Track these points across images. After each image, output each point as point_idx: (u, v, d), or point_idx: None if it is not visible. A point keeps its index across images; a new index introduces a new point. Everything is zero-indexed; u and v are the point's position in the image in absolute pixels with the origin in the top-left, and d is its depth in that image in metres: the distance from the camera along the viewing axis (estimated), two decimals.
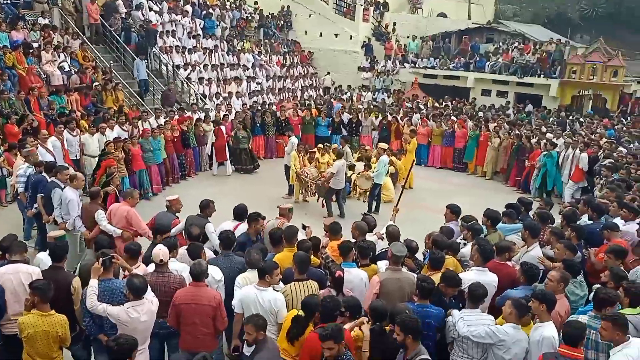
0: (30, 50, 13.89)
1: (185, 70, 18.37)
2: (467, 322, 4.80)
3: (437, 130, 16.46)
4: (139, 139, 12.05)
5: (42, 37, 14.68)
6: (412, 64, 24.63)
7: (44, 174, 8.51)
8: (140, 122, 13.23)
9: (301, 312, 4.81)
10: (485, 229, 6.97)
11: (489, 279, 5.57)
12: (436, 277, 5.38)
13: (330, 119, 16.82)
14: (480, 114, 18.78)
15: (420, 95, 22.22)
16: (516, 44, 23.64)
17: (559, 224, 7.72)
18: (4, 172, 10.58)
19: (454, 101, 21.32)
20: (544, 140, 14.13)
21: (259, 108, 17.01)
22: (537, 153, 13.85)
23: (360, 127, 16.94)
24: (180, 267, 5.67)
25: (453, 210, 7.53)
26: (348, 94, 22.34)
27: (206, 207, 7.17)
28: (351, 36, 25.40)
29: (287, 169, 12.63)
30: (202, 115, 15.02)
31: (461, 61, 23.76)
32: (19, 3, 15.00)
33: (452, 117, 17.12)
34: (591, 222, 7.69)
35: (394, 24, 26.85)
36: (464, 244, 6.80)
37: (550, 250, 6.51)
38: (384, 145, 13.49)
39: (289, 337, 4.76)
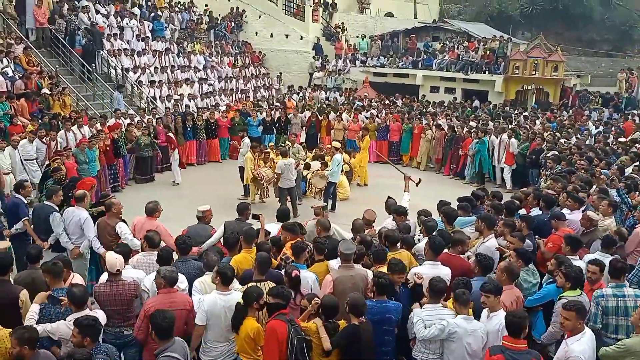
0: None
1: (135, 73, 18.09)
2: (427, 320, 4.94)
3: (371, 126, 16.81)
4: (73, 150, 11.27)
5: None
6: (362, 63, 25.06)
7: (17, 195, 7.90)
8: (75, 128, 12.65)
9: (241, 301, 4.83)
10: (443, 226, 7.09)
11: (442, 272, 5.64)
12: (383, 270, 5.50)
13: (261, 119, 16.92)
14: (431, 109, 19.47)
15: (371, 93, 22.65)
16: (461, 41, 24.44)
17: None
18: None
19: (404, 98, 21.87)
20: (474, 129, 15.32)
21: (189, 112, 16.42)
22: (469, 141, 14.98)
23: (289, 125, 17.16)
24: (136, 274, 5.60)
25: (399, 212, 7.50)
26: (300, 94, 22.54)
27: (245, 210, 7.24)
28: (301, 36, 25.59)
29: (242, 170, 12.65)
30: (135, 120, 14.48)
31: (409, 60, 24.35)
32: None
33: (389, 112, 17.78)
34: (540, 212, 7.98)
35: (343, 24, 27.20)
36: (419, 240, 7.01)
37: (503, 241, 6.67)
38: (336, 143, 13.77)
39: (233, 325, 4.82)
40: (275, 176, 11.61)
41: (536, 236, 7.20)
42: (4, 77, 13.83)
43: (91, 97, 16.35)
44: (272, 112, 17.26)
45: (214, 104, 18.82)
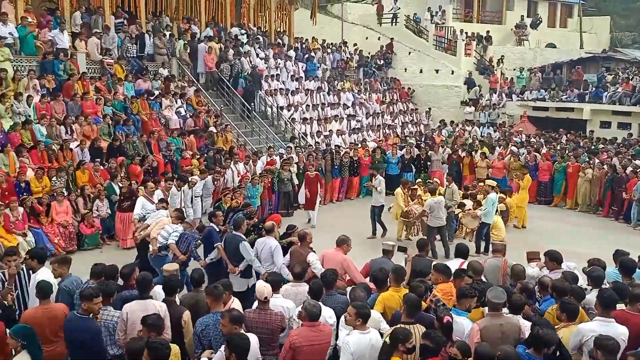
0: (152, 98, 15.16)
1: (289, 110, 19.01)
2: None
3: (515, 164, 15.47)
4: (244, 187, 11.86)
5: (162, 86, 15.99)
6: (520, 97, 23.57)
7: (212, 225, 8.48)
8: (232, 165, 13.35)
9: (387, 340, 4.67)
10: (621, 279, 6.21)
11: (616, 330, 4.87)
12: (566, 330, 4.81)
13: (400, 156, 16.35)
14: (601, 146, 17.48)
15: (530, 129, 21.10)
16: (637, 72, 21.81)
17: None
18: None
19: (569, 134, 19.98)
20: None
21: (337, 150, 16.40)
22: (634, 182, 13.22)
23: (429, 162, 16.31)
24: (285, 304, 5.62)
25: (552, 258, 6.78)
26: (450, 128, 21.79)
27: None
28: (453, 71, 24.98)
29: (375, 209, 12.18)
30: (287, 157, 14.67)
31: (574, 92, 22.32)
32: (144, 56, 16.49)
33: (536, 151, 16.21)
34: None
35: (502, 57, 25.98)
36: (589, 291, 6.11)
37: None
38: (491, 182, 12.94)
39: None
40: (418, 214, 11.16)
41: None
42: (177, 116, 15.40)
43: (249, 134, 17.46)
44: (412, 149, 16.67)
45: (361, 139, 18.96)
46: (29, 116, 12.45)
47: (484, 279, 6.41)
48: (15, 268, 6.36)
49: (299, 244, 7.51)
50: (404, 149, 16.62)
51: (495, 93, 23.83)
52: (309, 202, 13.22)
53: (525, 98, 23.40)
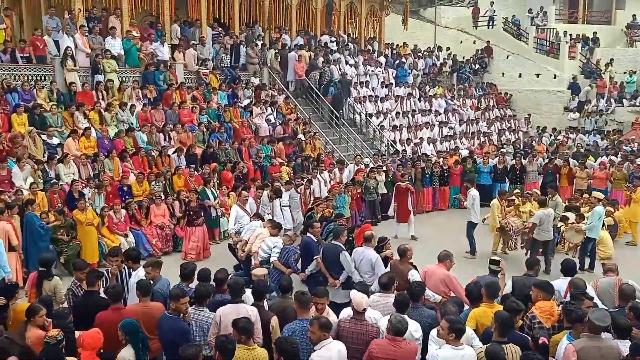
0: (243, 106, 15.57)
1: (378, 118, 18.73)
2: None
3: (619, 174, 13.99)
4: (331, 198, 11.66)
5: (253, 94, 16.40)
6: (631, 102, 21.57)
7: (310, 235, 8.25)
8: (335, 171, 13.39)
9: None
10: None
11: None
12: None
13: (492, 166, 15.35)
14: None
15: None
16: None
17: None
18: (219, 213, 11.72)
19: None
20: None
21: (428, 158, 15.85)
22: None
23: (525, 173, 15.12)
24: (375, 315, 5.49)
25: None
26: (552, 136, 20.39)
27: (534, 265, 6.94)
28: (555, 75, 23.42)
29: (471, 225, 11.32)
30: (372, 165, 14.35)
31: None
32: (237, 66, 17.03)
33: None
34: None
35: (611, 60, 23.99)
36: None
37: None
38: (598, 194, 11.88)
39: None
40: (528, 226, 10.35)
41: None
42: (267, 123, 15.70)
43: (338, 141, 17.41)
44: (505, 159, 15.66)
45: (453, 147, 18.23)
46: (132, 124, 13.25)
47: (597, 300, 5.93)
48: (117, 267, 6.75)
49: (398, 259, 7.14)
50: (497, 158, 15.71)
51: (603, 98, 22.00)
52: (401, 215, 12.53)
53: (637, 103, 21.39)
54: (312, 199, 12.12)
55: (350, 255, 7.48)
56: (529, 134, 21.94)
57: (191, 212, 10.95)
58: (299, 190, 12.01)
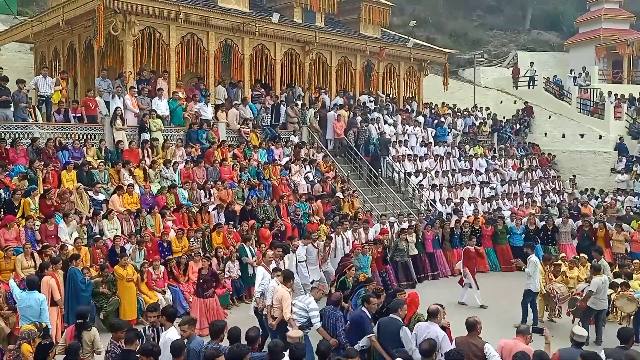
0: (282, 165, 15.79)
1: (417, 177, 18.61)
2: None
3: None
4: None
5: (292, 152, 16.65)
6: None
7: (364, 310, 7.38)
8: (360, 230, 13.10)
9: None
10: None
11: None
12: None
13: (524, 227, 14.87)
14: None
15: None
16: None
17: None
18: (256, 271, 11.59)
19: None
20: None
21: (457, 218, 15.50)
22: None
23: (557, 234, 14.57)
24: None
25: None
26: (599, 199, 19.70)
27: None
28: (600, 136, 22.92)
29: (529, 293, 10.47)
30: (405, 225, 14.03)
31: None
32: (277, 124, 17.43)
33: None
34: None
35: None
36: None
37: None
38: None
39: None
40: (579, 293, 9.86)
41: None
42: (306, 181, 15.81)
43: (376, 199, 17.30)
44: (535, 219, 15.23)
45: (495, 208, 17.82)
46: (174, 180, 13.57)
47: None
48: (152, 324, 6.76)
49: (467, 332, 6.55)
50: (526, 219, 15.31)
51: None
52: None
53: None
54: (330, 257, 11.98)
55: (411, 331, 6.82)
56: (574, 196, 21.29)
57: (202, 281, 9.95)
58: (316, 245, 11.79)
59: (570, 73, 26.05)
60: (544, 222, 15.11)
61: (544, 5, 37.98)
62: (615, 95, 24.40)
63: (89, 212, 11.59)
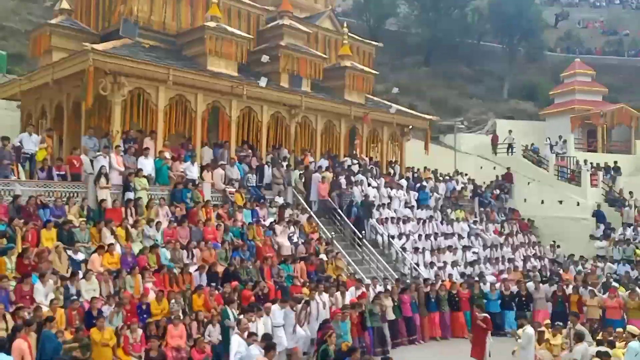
0: (267, 226, 15.71)
1: (400, 239, 18.63)
2: None
3: (633, 303, 13.56)
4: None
5: (277, 213, 16.63)
6: None
7: None
8: (336, 294, 12.97)
9: None
10: None
11: None
12: None
13: (499, 292, 14.98)
14: None
15: None
16: None
17: None
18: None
19: None
20: None
21: (432, 282, 15.49)
22: None
23: (532, 301, 14.67)
24: None
25: None
26: (579, 265, 19.85)
27: None
28: (578, 202, 23.43)
29: None
30: (381, 288, 14.07)
31: None
32: (262, 185, 17.50)
33: None
34: None
35: (631, 192, 23.99)
36: None
37: None
38: (634, 329, 11.21)
39: None
40: None
41: None
42: (290, 242, 15.70)
43: (360, 262, 17.18)
44: (509, 285, 15.37)
45: (478, 272, 17.83)
46: (157, 240, 13.37)
47: None
48: None
49: None
50: (499, 284, 15.44)
51: (630, 227, 21.70)
52: (478, 351, 11.46)
53: None
54: (307, 321, 11.79)
55: None
56: (556, 261, 21.45)
57: None
58: (295, 309, 11.62)
59: (546, 141, 26.90)
60: (517, 288, 15.18)
61: (521, 77, 39.81)
62: (591, 163, 25.17)
63: (67, 272, 11.29)
